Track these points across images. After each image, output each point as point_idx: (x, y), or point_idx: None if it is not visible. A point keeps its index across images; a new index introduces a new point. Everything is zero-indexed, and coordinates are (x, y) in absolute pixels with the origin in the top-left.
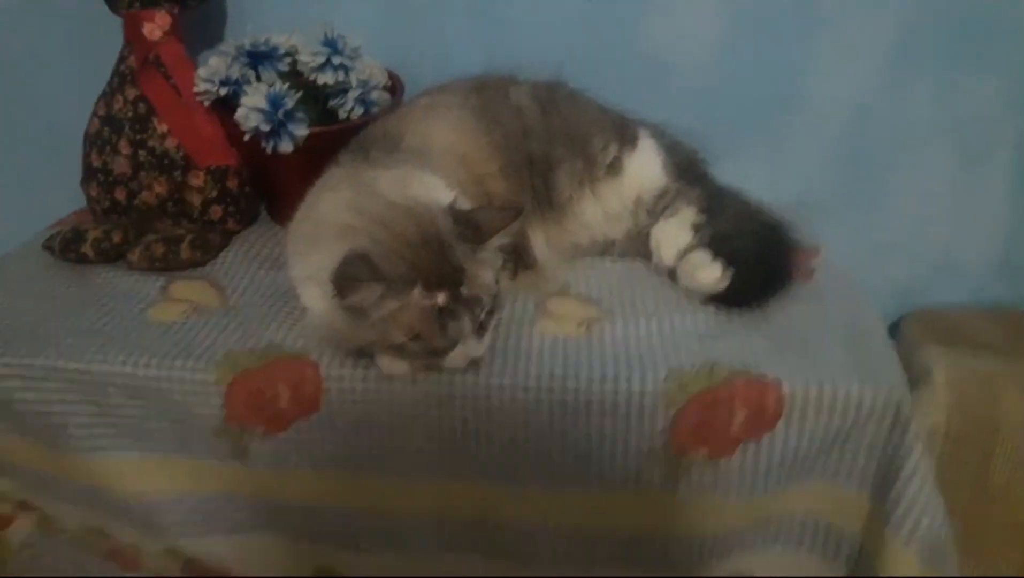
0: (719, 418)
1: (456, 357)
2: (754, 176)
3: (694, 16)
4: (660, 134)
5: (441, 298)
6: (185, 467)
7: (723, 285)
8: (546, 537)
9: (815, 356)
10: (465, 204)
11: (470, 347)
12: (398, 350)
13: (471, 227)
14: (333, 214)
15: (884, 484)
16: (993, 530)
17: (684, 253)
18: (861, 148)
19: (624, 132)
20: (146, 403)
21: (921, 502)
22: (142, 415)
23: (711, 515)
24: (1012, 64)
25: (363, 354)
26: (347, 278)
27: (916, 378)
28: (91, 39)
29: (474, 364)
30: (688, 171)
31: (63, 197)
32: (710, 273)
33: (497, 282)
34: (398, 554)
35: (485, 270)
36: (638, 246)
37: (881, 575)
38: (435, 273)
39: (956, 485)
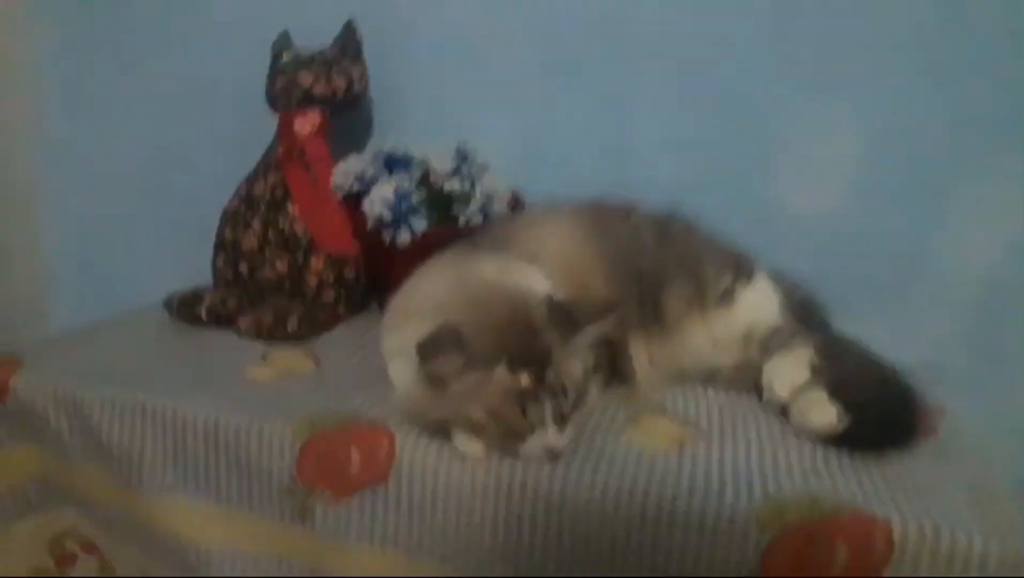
0: (818, 556)
1: (534, 444)
2: (875, 335)
3: (827, 170)
4: (779, 276)
5: (524, 379)
6: (246, 523)
7: (840, 428)
8: None
9: (933, 502)
10: (563, 297)
11: (550, 436)
12: (476, 429)
13: (564, 316)
14: (430, 291)
15: None
16: None
17: (799, 391)
18: (990, 324)
19: (740, 265)
20: (221, 452)
21: None
22: (215, 462)
23: None
24: None
25: (441, 432)
26: (432, 345)
27: None
28: (246, 130)
29: (553, 456)
30: (807, 314)
31: (194, 269)
32: (827, 413)
33: (587, 380)
34: None
35: (574, 362)
36: (746, 380)
37: None
38: (522, 354)
39: None
